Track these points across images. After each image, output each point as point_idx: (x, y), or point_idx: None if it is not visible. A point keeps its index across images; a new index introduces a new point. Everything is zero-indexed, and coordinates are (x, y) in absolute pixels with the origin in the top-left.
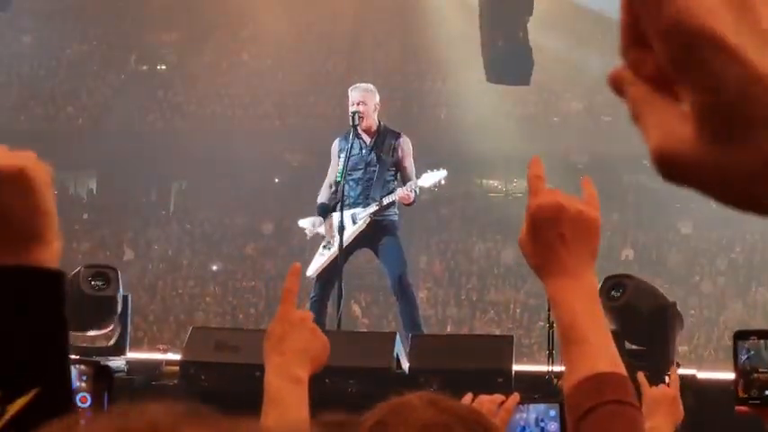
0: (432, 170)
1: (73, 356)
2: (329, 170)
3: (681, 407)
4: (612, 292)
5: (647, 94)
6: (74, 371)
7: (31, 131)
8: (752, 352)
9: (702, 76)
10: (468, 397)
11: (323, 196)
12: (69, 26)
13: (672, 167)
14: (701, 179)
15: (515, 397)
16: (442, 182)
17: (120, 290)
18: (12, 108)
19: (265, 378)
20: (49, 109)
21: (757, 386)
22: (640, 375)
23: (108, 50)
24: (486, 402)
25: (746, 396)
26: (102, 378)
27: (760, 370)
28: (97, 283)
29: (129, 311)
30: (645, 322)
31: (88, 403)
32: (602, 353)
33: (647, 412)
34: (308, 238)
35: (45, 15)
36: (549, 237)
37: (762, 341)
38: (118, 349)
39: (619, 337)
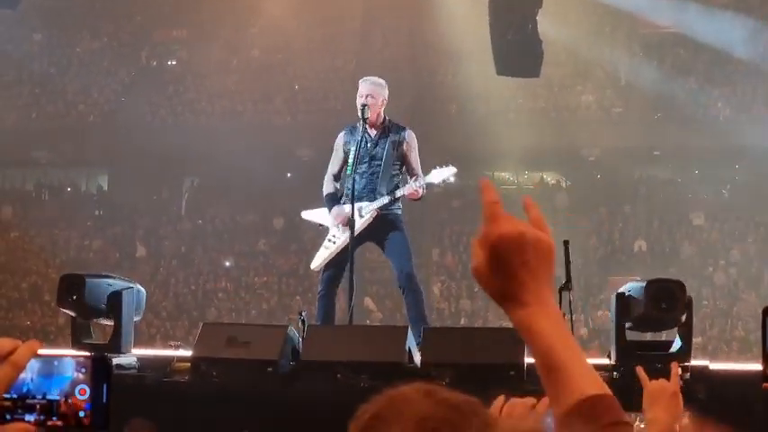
0: (440, 167)
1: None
2: (330, 163)
3: (680, 402)
4: (662, 304)
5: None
6: (72, 362)
7: (42, 129)
8: None
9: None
10: (500, 399)
11: (328, 187)
12: (79, 24)
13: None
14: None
15: (546, 401)
16: (451, 179)
17: (94, 294)
18: (23, 106)
19: None
20: (59, 106)
21: None
22: (639, 370)
23: (118, 47)
24: (519, 406)
25: None
26: (100, 369)
27: None
28: (68, 296)
29: (125, 307)
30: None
31: (87, 395)
32: (586, 376)
33: (647, 405)
34: (320, 228)
35: (55, 13)
36: (514, 265)
37: None
38: (115, 347)
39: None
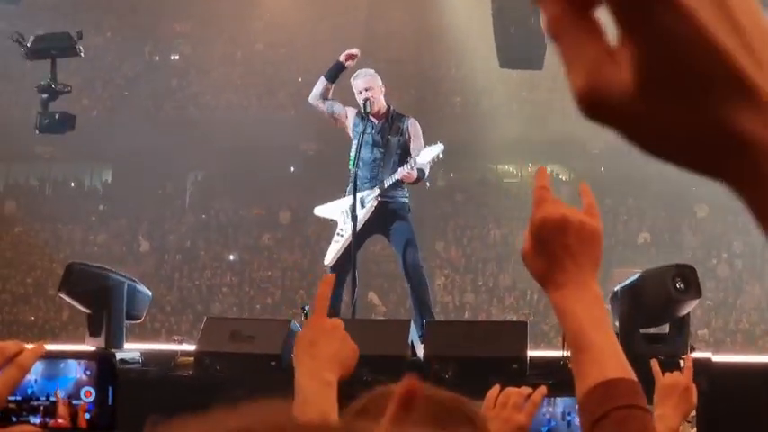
0: (428, 146)
1: (76, 350)
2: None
3: (694, 396)
4: (678, 285)
5: (569, 17)
6: (77, 365)
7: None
8: None
9: (653, 29)
10: (495, 389)
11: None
12: (83, 18)
13: (599, 110)
14: (631, 127)
15: (542, 390)
16: (440, 156)
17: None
18: (27, 102)
19: (296, 380)
20: (63, 102)
21: None
22: (654, 363)
23: (122, 42)
24: (514, 395)
25: None
26: (106, 371)
27: None
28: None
29: (116, 301)
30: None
31: (92, 397)
32: (611, 359)
33: (658, 400)
34: (331, 221)
35: (58, 8)
36: (556, 248)
37: None
38: (112, 343)
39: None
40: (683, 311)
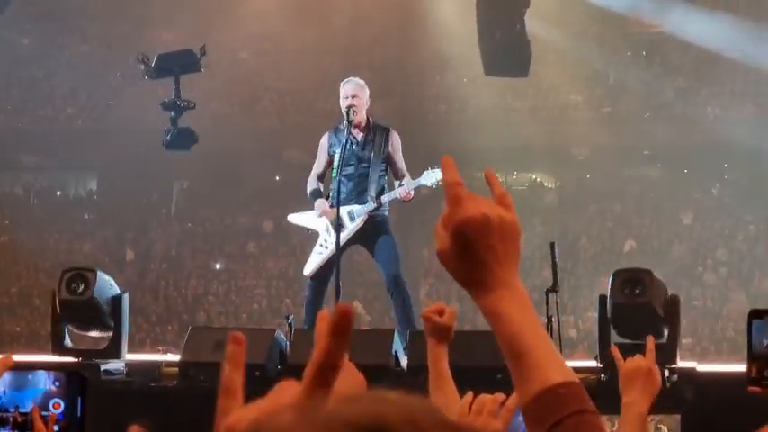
0: (433, 168)
1: (45, 360)
2: (315, 164)
3: (658, 377)
4: (635, 290)
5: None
6: (46, 376)
7: (31, 133)
8: None
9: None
10: (468, 396)
11: (312, 185)
12: (68, 27)
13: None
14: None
15: (516, 396)
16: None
17: (102, 290)
18: (12, 111)
19: None
20: (48, 110)
21: None
22: (614, 350)
23: (107, 50)
24: (488, 402)
25: (761, 376)
26: (75, 383)
27: None
28: (75, 286)
29: (124, 312)
30: (659, 318)
31: (61, 409)
32: (552, 362)
33: (623, 386)
34: (309, 233)
35: (44, 17)
36: (479, 250)
37: None
38: (113, 351)
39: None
40: (648, 318)
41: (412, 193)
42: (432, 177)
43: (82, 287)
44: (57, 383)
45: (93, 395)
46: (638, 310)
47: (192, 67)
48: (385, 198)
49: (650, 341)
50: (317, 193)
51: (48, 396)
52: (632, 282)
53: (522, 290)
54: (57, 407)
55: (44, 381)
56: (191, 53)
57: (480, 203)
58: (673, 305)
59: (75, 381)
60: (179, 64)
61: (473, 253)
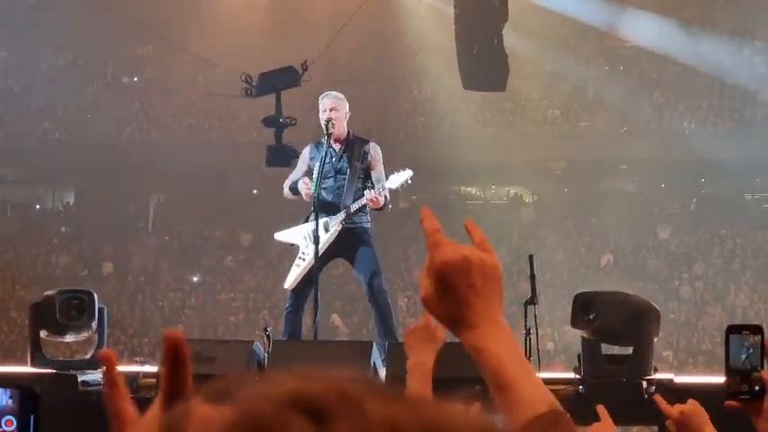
0: (397, 171)
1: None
2: (294, 171)
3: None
4: (586, 317)
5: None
6: (2, 392)
7: (8, 147)
8: (751, 351)
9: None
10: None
11: (287, 184)
12: (45, 41)
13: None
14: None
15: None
16: (409, 181)
17: (95, 310)
18: None
19: None
20: (25, 124)
21: (748, 381)
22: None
23: (84, 64)
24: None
25: (738, 390)
26: (27, 401)
27: (753, 365)
28: (72, 311)
29: (106, 324)
30: (622, 332)
31: (13, 426)
32: (537, 392)
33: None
34: (292, 247)
35: (20, 30)
36: (461, 290)
37: (755, 337)
38: (91, 363)
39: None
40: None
41: (381, 199)
42: (397, 180)
43: (79, 313)
44: (11, 400)
45: (71, 405)
46: (596, 333)
47: (293, 82)
48: (353, 206)
49: (601, 409)
50: (295, 184)
51: (1, 413)
52: (585, 307)
53: (504, 325)
54: (9, 424)
55: (0, 397)
56: (292, 70)
57: (460, 247)
58: (645, 317)
59: (28, 398)
60: (281, 80)
61: (454, 293)
